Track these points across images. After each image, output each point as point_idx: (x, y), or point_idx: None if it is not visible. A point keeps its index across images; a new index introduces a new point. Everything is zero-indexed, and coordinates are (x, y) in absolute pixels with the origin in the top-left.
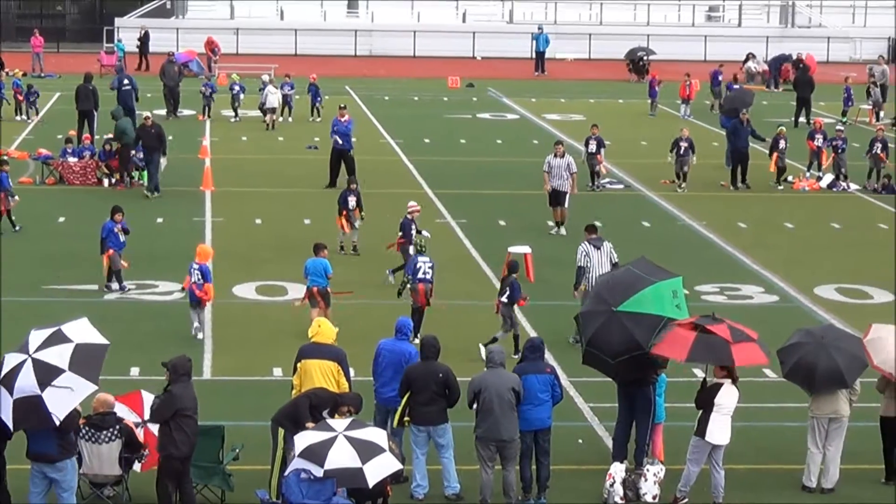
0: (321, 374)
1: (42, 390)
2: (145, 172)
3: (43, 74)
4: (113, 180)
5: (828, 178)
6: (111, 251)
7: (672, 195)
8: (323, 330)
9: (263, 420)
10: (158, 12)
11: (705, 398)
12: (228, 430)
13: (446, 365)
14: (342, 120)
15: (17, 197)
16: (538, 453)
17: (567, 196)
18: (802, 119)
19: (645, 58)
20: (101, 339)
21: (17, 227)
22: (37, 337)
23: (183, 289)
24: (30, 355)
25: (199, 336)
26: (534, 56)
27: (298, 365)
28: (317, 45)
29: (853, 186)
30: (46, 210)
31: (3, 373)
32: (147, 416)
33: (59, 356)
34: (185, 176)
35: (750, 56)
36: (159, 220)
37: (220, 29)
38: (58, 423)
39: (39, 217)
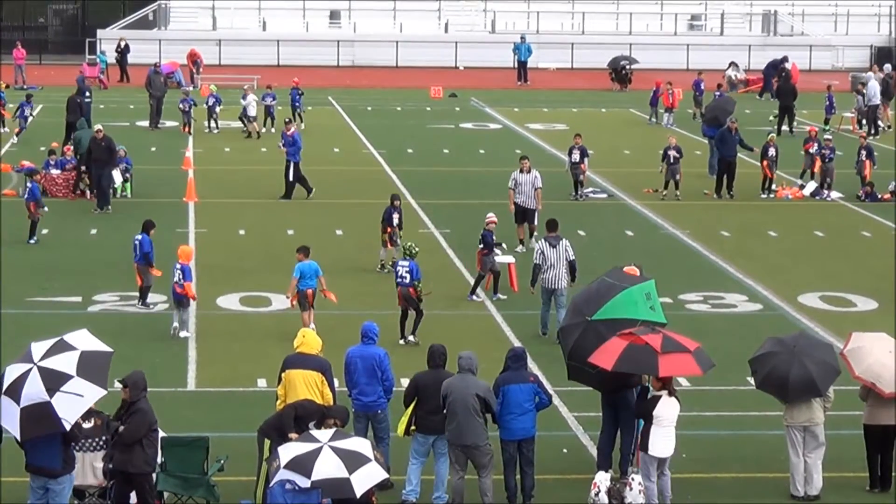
0: (305, 385)
1: (51, 396)
2: (127, 184)
3: (25, 87)
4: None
5: (811, 186)
6: (152, 268)
7: (655, 204)
8: (307, 340)
9: (248, 431)
10: (141, 24)
11: (643, 411)
12: (213, 441)
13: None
14: (287, 133)
15: (46, 208)
16: (522, 463)
17: (535, 213)
18: (785, 127)
19: (627, 67)
20: (105, 347)
21: (35, 240)
22: (39, 347)
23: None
24: (35, 364)
25: (182, 334)
26: (516, 66)
27: (283, 375)
28: (299, 55)
29: (835, 195)
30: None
31: (7, 384)
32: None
33: (66, 363)
34: (168, 187)
35: (732, 64)
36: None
37: (202, 40)
38: (68, 427)
39: (23, 229)
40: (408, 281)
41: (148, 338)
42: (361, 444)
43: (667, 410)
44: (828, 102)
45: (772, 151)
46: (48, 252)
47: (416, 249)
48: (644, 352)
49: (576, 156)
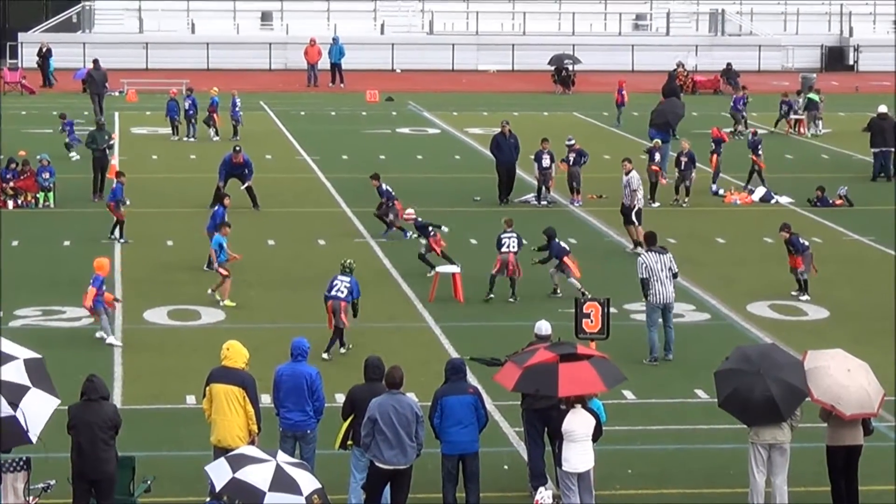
0: (226, 400)
1: (15, 410)
2: (51, 194)
3: None
4: (19, 201)
5: (760, 191)
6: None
7: (599, 210)
8: (231, 353)
9: (176, 450)
10: (64, 26)
11: (555, 427)
12: (139, 460)
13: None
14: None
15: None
16: (466, 479)
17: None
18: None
19: (571, 68)
20: (33, 353)
21: (125, 240)
22: None
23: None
24: None
25: (108, 341)
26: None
27: (207, 389)
28: (230, 58)
29: (786, 199)
30: None
31: None
32: None
33: (16, 373)
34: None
35: (679, 65)
36: (66, 242)
37: (128, 43)
38: (35, 440)
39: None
40: (342, 295)
41: (72, 353)
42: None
43: (575, 424)
44: (787, 106)
45: (657, 156)
46: None
47: (354, 265)
48: (544, 370)
49: (546, 161)
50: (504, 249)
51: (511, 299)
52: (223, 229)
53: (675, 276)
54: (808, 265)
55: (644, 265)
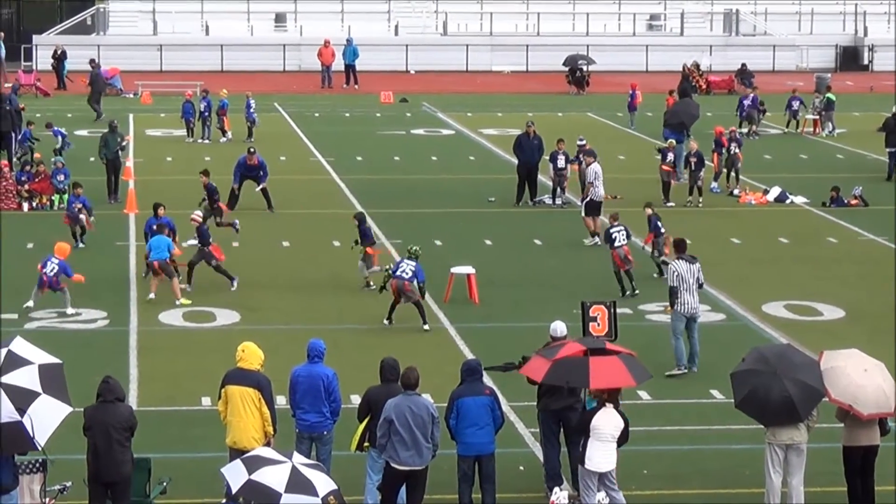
0: (242, 402)
1: (22, 416)
2: (65, 196)
3: None
4: (34, 203)
5: (775, 191)
6: None
7: (612, 211)
8: (247, 355)
9: (192, 451)
10: (79, 29)
11: (582, 423)
12: (155, 462)
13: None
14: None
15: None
16: (482, 480)
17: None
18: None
19: (584, 68)
20: (52, 357)
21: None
22: None
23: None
24: None
25: (30, 307)
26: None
27: (223, 391)
28: (244, 60)
29: (801, 199)
30: None
31: None
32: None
33: (29, 379)
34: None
35: (695, 65)
36: (80, 245)
37: (142, 45)
38: (40, 448)
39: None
40: (407, 276)
41: (87, 355)
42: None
43: (604, 422)
44: (797, 104)
45: (670, 156)
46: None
47: (420, 252)
48: (574, 363)
49: (561, 161)
50: (616, 244)
51: (629, 294)
52: (167, 231)
53: (700, 286)
54: (661, 248)
55: (676, 273)
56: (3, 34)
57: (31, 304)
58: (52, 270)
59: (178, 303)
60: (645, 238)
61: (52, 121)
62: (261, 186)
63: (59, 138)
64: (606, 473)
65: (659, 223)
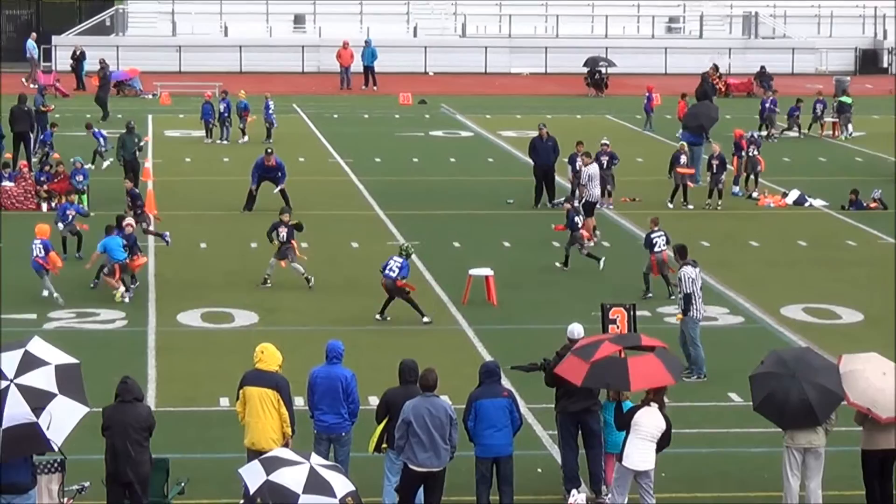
0: (260, 403)
1: (37, 416)
2: (84, 196)
3: None
4: (53, 204)
5: (794, 194)
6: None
7: (632, 213)
8: (265, 356)
9: (210, 452)
10: (97, 30)
11: (623, 419)
12: (173, 462)
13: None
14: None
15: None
16: (500, 482)
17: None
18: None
19: (604, 70)
20: (69, 357)
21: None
22: (6, 361)
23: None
24: (11, 381)
25: (61, 301)
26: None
27: (241, 392)
28: (262, 61)
29: (820, 202)
30: None
31: None
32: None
33: (45, 380)
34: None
35: (714, 68)
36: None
37: (161, 46)
38: (56, 448)
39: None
40: (394, 275)
41: (106, 355)
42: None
43: (646, 420)
44: (822, 107)
45: (683, 158)
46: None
47: (412, 251)
48: (612, 364)
49: (580, 163)
50: (656, 249)
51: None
52: (114, 231)
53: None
54: (576, 242)
55: (690, 279)
56: (34, 35)
57: (56, 296)
58: (39, 251)
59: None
60: (556, 226)
61: (67, 123)
62: (279, 188)
63: (101, 140)
64: (644, 474)
65: (577, 218)
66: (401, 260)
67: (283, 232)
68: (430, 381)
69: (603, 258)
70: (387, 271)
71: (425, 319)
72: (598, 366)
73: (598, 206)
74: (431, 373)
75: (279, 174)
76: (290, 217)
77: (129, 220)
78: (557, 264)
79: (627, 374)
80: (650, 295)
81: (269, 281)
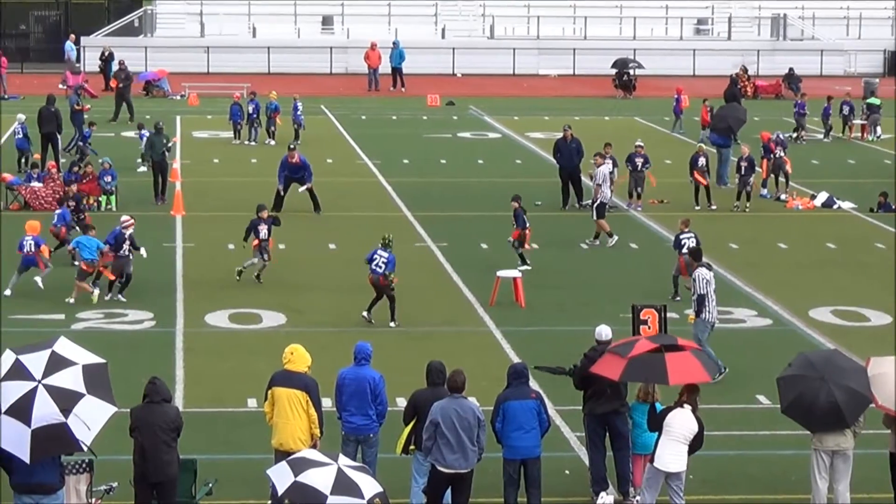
0: (289, 404)
1: (66, 417)
2: (113, 197)
3: (6, 96)
4: (82, 204)
5: (822, 196)
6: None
7: (660, 215)
8: (295, 358)
9: (238, 453)
10: (126, 30)
11: (656, 420)
12: (201, 463)
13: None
14: (293, 161)
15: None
16: (528, 484)
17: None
18: (793, 133)
19: (632, 72)
20: (96, 357)
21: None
22: (33, 362)
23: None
24: (39, 382)
25: (40, 285)
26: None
27: (269, 392)
28: (291, 62)
29: (848, 205)
30: (11, 236)
31: (10, 403)
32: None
33: (73, 380)
34: (153, 200)
35: (743, 69)
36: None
37: (190, 47)
38: (85, 448)
39: (3, 244)
40: (381, 270)
41: (134, 356)
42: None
43: (678, 421)
44: (848, 109)
45: (702, 161)
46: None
47: (392, 239)
48: (650, 360)
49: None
50: (685, 250)
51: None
52: (91, 231)
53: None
54: (523, 241)
55: (705, 280)
56: (73, 36)
57: (8, 292)
58: (29, 247)
59: (69, 301)
60: (513, 233)
61: (142, 122)
62: (306, 187)
63: (143, 140)
64: (674, 475)
65: (525, 217)
66: (386, 254)
67: (262, 230)
68: (458, 383)
69: (530, 264)
70: (373, 266)
71: (392, 324)
72: (635, 361)
73: (610, 206)
74: (460, 374)
75: (305, 173)
76: (267, 213)
77: (128, 218)
78: (520, 266)
79: (665, 369)
80: (678, 298)
81: (240, 276)
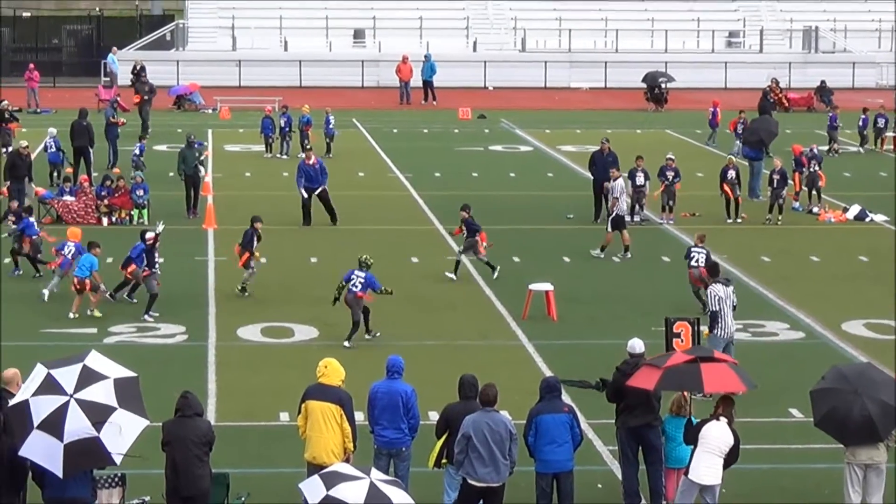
0: (323, 417)
1: (98, 431)
2: (145, 211)
3: (39, 110)
4: (113, 218)
5: (854, 209)
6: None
7: (692, 228)
8: (329, 371)
9: (270, 466)
10: (158, 44)
11: (691, 433)
12: (233, 477)
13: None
14: (310, 163)
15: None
16: (560, 498)
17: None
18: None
19: (663, 86)
20: (127, 370)
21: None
22: (65, 376)
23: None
24: (71, 396)
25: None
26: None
27: (303, 406)
28: (322, 76)
29: (881, 217)
30: (43, 250)
31: (42, 417)
32: None
33: (105, 394)
34: (185, 213)
35: (773, 81)
36: (159, 259)
37: (221, 61)
38: (119, 462)
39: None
40: (357, 288)
41: (167, 370)
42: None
43: (713, 434)
44: (884, 121)
45: (731, 173)
46: (62, 281)
47: (371, 262)
48: (686, 370)
49: (640, 178)
50: (692, 264)
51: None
52: (94, 250)
53: (734, 308)
54: (475, 248)
55: (717, 297)
56: (115, 49)
57: (46, 292)
58: (69, 252)
59: (89, 312)
60: (454, 230)
61: (126, 136)
62: (320, 188)
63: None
64: (709, 488)
65: (474, 225)
66: (363, 274)
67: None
68: (490, 396)
69: (498, 267)
70: (350, 286)
71: (346, 344)
72: (671, 370)
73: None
74: (492, 388)
75: (321, 177)
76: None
77: (151, 232)
78: (447, 273)
79: (701, 377)
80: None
81: (246, 290)
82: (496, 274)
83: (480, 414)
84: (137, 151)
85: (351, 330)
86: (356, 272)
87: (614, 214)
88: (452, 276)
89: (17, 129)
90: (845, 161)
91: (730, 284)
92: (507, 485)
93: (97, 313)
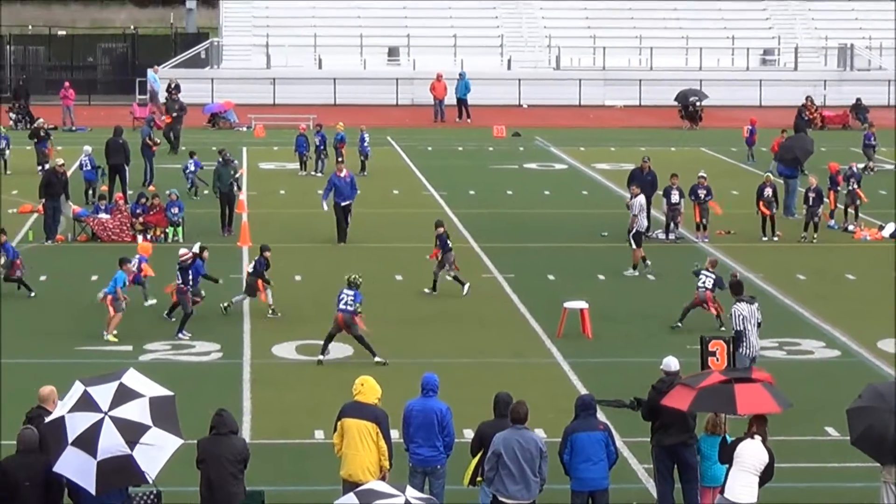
0: (359, 435)
1: (132, 449)
2: (180, 228)
3: (74, 128)
4: (149, 236)
5: (890, 227)
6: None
7: (726, 246)
8: (365, 389)
9: (305, 484)
10: (193, 62)
11: (726, 452)
12: (268, 495)
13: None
14: (342, 175)
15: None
16: None
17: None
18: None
19: (697, 103)
20: (163, 389)
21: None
22: (101, 394)
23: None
24: (106, 413)
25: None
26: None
27: (339, 423)
28: (357, 94)
29: None
30: (79, 268)
31: (75, 435)
32: None
33: (138, 412)
34: (219, 231)
35: (808, 99)
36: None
37: (256, 79)
38: (151, 480)
39: (71, 275)
40: (351, 308)
41: (202, 387)
42: None
43: (748, 452)
44: None
45: (768, 191)
46: (93, 298)
47: (360, 281)
48: (720, 390)
49: (675, 196)
50: (699, 285)
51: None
52: (125, 266)
53: (758, 325)
54: (451, 264)
55: (741, 316)
56: (157, 67)
57: (151, 302)
58: (135, 265)
59: (105, 336)
60: (431, 253)
61: (160, 155)
62: (346, 204)
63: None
64: None
65: (448, 241)
66: (351, 292)
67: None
68: (520, 414)
69: (468, 284)
70: (342, 305)
71: (377, 359)
72: (705, 391)
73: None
74: (522, 405)
75: (351, 191)
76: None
77: (186, 250)
78: (426, 290)
79: (734, 399)
80: (678, 325)
81: (277, 311)
82: (466, 291)
83: (511, 431)
84: (193, 167)
85: (365, 348)
86: (345, 291)
87: (634, 231)
88: (467, 286)
89: (52, 153)
90: (881, 179)
91: (754, 302)
92: (543, 503)
93: (111, 338)
